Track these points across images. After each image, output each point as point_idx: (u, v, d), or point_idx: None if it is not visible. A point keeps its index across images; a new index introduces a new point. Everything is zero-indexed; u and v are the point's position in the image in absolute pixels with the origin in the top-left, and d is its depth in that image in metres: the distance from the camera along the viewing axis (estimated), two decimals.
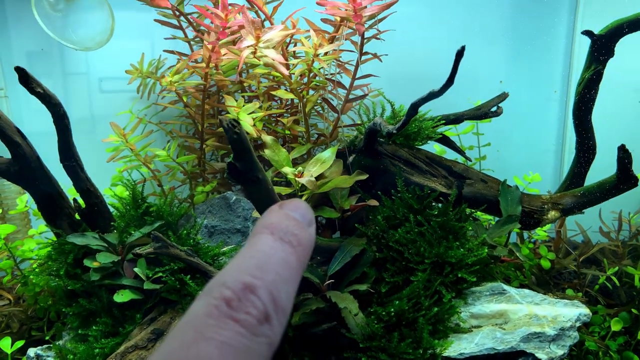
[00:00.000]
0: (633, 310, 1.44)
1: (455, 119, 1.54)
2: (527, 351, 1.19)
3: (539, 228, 1.56)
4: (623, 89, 1.68)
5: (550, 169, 1.78)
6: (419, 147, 1.47)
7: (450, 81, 1.04)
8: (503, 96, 1.56)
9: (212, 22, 1.27)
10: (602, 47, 1.32)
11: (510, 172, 1.69)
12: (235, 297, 0.30)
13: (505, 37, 1.78)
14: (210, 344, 0.28)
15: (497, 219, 1.44)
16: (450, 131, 1.61)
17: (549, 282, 1.61)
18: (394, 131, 1.19)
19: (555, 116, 1.73)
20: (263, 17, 1.47)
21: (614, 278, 1.45)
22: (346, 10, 1.23)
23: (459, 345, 1.22)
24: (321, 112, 1.53)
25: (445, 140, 1.55)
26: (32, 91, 1.16)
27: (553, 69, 1.79)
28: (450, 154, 1.58)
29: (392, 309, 1.21)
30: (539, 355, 1.19)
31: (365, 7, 1.24)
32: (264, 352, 0.30)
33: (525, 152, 1.83)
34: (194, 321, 0.29)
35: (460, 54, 0.99)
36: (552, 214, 1.40)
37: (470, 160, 1.59)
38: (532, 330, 1.21)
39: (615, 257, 1.59)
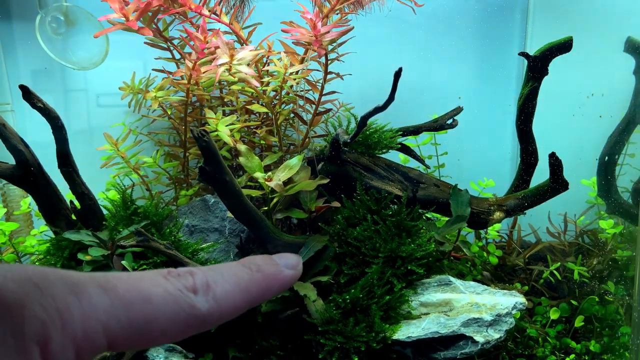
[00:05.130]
0: (572, 301, 1.59)
1: (414, 130, 1.72)
2: (467, 334, 1.35)
3: (490, 228, 1.72)
4: (563, 102, 1.85)
5: (507, 176, 1.94)
6: (380, 155, 1.64)
7: (391, 98, 1.21)
8: (458, 110, 1.73)
9: (193, 42, 1.45)
10: (537, 66, 1.49)
11: (469, 178, 1.86)
12: (176, 272, 0.36)
13: (463, 56, 1.96)
14: (146, 281, 0.35)
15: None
16: (411, 142, 1.78)
17: (503, 278, 1.76)
18: (348, 140, 1.36)
19: (510, 127, 1.89)
20: (241, 40, 1.65)
21: (556, 273, 1.61)
22: (309, 36, 1.41)
23: (407, 330, 1.38)
24: (294, 124, 1.71)
25: (405, 150, 1.72)
26: (34, 105, 1.34)
27: (507, 85, 1.97)
28: (413, 163, 1.75)
29: (348, 297, 1.37)
30: (477, 338, 1.34)
31: (326, 32, 1.42)
32: (185, 310, 0.34)
33: (483, 160, 2.00)
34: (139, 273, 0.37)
35: (398, 74, 1.17)
36: (497, 214, 1.56)
37: (429, 168, 1.76)
38: (471, 316, 1.36)
39: (563, 255, 1.75)
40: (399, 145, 1.65)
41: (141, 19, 1.43)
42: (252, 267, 0.38)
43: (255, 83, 1.42)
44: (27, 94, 1.31)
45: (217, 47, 1.42)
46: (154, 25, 1.51)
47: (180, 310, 0.33)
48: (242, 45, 1.67)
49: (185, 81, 1.49)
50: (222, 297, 0.35)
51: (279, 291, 0.39)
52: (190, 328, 0.34)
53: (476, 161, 1.98)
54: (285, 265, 0.40)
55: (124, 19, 1.35)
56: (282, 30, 1.43)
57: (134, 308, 0.32)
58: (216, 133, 1.51)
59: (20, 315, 0.27)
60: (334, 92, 1.63)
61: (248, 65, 1.46)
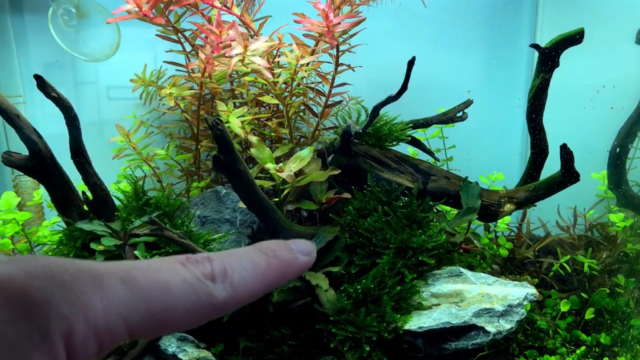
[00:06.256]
0: (582, 294, 1.59)
1: (423, 123, 1.72)
2: (478, 325, 1.35)
3: (499, 221, 1.73)
4: (574, 94, 1.85)
5: (516, 169, 1.95)
6: (390, 147, 1.65)
7: (404, 87, 1.21)
8: (468, 102, 1.74)
9: (207, 37, 1.46)
10: (548, 58, 1.49)
11: (479, 172, 1.86)
12: (194, 259, 0.36)
13: (473, 50, 1.96)
14: (165, 270, 0.34)
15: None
16: (420, 135, 1.78)
17: (513, 271, 1.77)
18: (360, 131, 1.37)
19: (520, 121, 1.90)
20: (252, 32, 1.66)
21: (566, 265, 1.61)
22: (320, 27, 1.41)
23: (419, 320, 1.38)
24: (304, 116, 1.71)
25: (415, 142, 1.72)
26: (48, 95, 1.35)
27: (517, 78, 1.97)
28: (422, 156, 1.75)
29: (359, 287, 1.37)
30: (488, 328, 1.34)
31: (338, 23, 1.42)
32: (202, 299, 0.34)
33: (492, 154, 2.00)
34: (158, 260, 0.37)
35: (411, 63, 1.17)
36: (508, 206, 1.57)
37: (438, 160, 1.76)
38: (483, 306, 1.36)
39: (572, 249, 1.75)
40: (409, 138, 1.65)
41: (153, 10, 1.44)
42: (269, 253, 0.38)
43: (268, 74, 1.42)
44: (42, 84, 1.32)
45: (232, 40, 1.43)
46: (165, 18, 1.52)
47: (198, 299, 0.34)
48: (252, 36, 1.68)
49: (199, 74, 1.50)
50: (239, 284, 0.36)
51: (294, 277, 0.39)
52: (208, 316, 0.35)
53: (485, 155, 1.98)
54: (300, 251, 0.40)
55: (137, 8, 1.35)
56: (295, 22, 1.44)
57: (153, 299, 0.33)
58: (228, 125, 1.51)
59: (45, 312, 0.28)
60: (344, 84, 1.64)
61: (261, 56, 1.47)
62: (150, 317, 0.32)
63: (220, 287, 0.35)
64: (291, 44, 1.60)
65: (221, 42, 1.49)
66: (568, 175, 1.45)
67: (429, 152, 1.72)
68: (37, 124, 1.65)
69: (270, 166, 1.47)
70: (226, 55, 1.42)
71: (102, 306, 0.31)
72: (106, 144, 1.73)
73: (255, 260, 0.37)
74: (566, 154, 1.42)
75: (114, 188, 1.65)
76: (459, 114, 1.72)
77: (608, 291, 1.56)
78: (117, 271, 0.32)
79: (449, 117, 1.71)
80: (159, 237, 1.33)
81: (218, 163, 1.18)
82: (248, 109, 1.61)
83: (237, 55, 1.38)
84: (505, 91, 2.00)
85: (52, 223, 1.66)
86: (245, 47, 1.37)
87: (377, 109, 1.30)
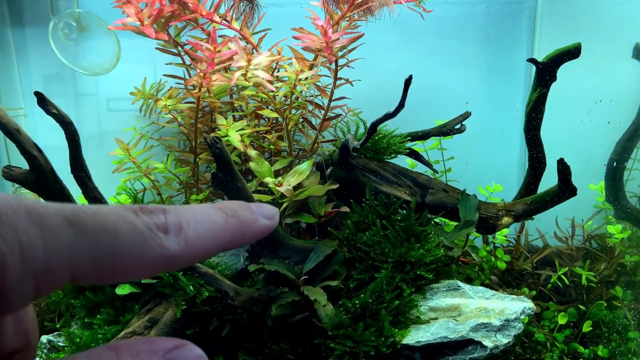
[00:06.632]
0: (580, 306, 1.60)
1: (422, 136, 1.73)
2: (475, 339, 1.36)
3: (498, 233, 1.73)
4: (571, 108, 1.86)
5: (514, 180, 1.95)
6: (388, 160, 1.65)
7: (401, 104, 1.22)
8: (466, 115, 1.74)
9: (202, 53, 1.47)
10: (546, 73, 1.50)
11: (477, 183, 1.87)
12: (148, 209, 0.33)
13: (471, 62, 1.97)
14: (115, 217, 0.32)
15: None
16: (419, 147, 1.79)
17: (511, 283, 1.77)
18: (358, 146, 1.37)
19: (518, 132, 1.90)
20: (252, 47, 1.67)
21: (564, 277, 1.62)
22: (319, 43, 1.42)
23: (416, 334, 1.39)
24: (303, 129, 1.72)
25: (414, 154, 1.73)
26: (48, 112, 1.36)
27: (515, 90, 1.98)
28: (420, 168, 1.76)
29: (358, 302, 1.38)
30: (485, 343, 1.35)
31: (337, 39, 1.43)
32: (154, 250, 0.32)
33: (491, 165, 2.01)
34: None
35: (408, 82, 1.18)
36: (506, 219, 1.57)
37: (437, 172, 1.77)
38: (480, 321, 1.37)
39: (570, 260, 1.76)
40: (408, 150, 1.66)
41: (154, 25, 1.45)
42: (228, 212, 0.35)
43: (271, 87, 1.43)
44: (42, 101, 1.32)
45: (234, 54, 1.44)
46: (166, 32, 1.53)
47: (149, 249, 0.32)
48: (252, 51, 1.69)
49: (197, 90, 1.51)
50: (193, 240, 0.33)
51: (252, 240, 0.37)
52: (158, 268, 0.33)
53: (484, 166, 1.99)
54: (261, 214, 0.37)
55: (139, 23, 1.36)
56: (294, 37, 1.45)
57: (100, 244, 0.30)
58: (227, 138, 1.52)
59: None
60: (343, 97, 1.65)
61: (263, 70, 1.48)
62: (96, 263, 0.30)
63: (173, 240, 0.33)
64: (290, 58, 1.61)
65: (216, 58, 1.50)
66: (565, 189, 1.46)
67: (428, 165, 1.73)
68: (37, 136, 1.66)
69: (269, 180, 1.47)
70: (231, 67, 1.43)
71: (43, 246, 0.28)
72: (106, 155, 1.74)
73: (213, 217, 0.35)
74: (563, 168, 1.43)
75: (114, 201, 1.66)
76: (458, 126, 1.73)
77: (605, 304, 1.57)
78: (64, 212, 0.30)
79: (448, 130, 1.72)
80: None
81: (217, 180, 1.19)
82: (247, 122, 1.62)
83: (239, 69, 1.39)
84: (503, 102, 2.01)
85: None
86: (249, 61, 1.38)
87: (374, 125, 1.31)
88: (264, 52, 1.52)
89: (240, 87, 1.67)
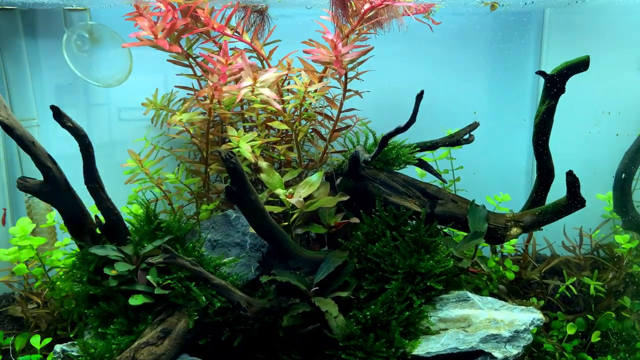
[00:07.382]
0: (589, 316, 1.61)
1: (431, 146, 1.74)
2: (485, 350, 1.37)
3: (507, 243, 1.74)
4: (580, 120, 1.87)
5: (522, 189, 1.96)
6: (398, 171, 1.67)
7: (412, 119, 1.23)
8: (474, 125, 1.75)
9: (214, 66, 1.48)
10: (554, 85, 1.51)
11: (485, 192, 1.88)
12: None
13: (479, 73, 1.98)
14: None
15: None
16: (428, 157, 1.80)
17: (519, 292, 1.78)
18: (369, 159, 1.39)
19: (526, 141, 1.91)
20: (262, 58, 1.69)
21: (572, 287, 1.63)
22: (329, 56, 1.44)
23: (427, 345, 1.40)
24: (312, 140, 1.74)
25: (423, 165, 1.75)
26: (64, 125, 1.38)
27: (522, 100, 1.99)
28: (430, 177, 1.77)
29: (368, 313, 1.39)
30: (495, 354, 1.36)
31: (346, 53, 1.44)
32: None
33: (498, 174, 2.02)
34: None
35: (419, 97, 1.19)
36: (514, 230, 1.58)
37: (445, 182, 1.78)
38: (490, 332, 1.38)
39: (578, 269, 1.76)
40: (417, 161, 1.68)
41: (167, 38, 1.47)
42: None
43: (277, 105, 1.45)
44: (58, 114, 1.34)
45: (240, 69, 1.45)
46: (179, 45, 1.55)
47: None
48: (262, 62, 1.70)
49: (208, 101, 1.52)
50: None
51: None
52: None
53: (491, 175, 2.00)
54: None
55: (152, 36, 1.38)
56: (304, 51, 1.46)
57: None
58: (237, 149, 1.54)
59: None
60: (352, 109, 1.66)
61: (269, 87, 1.49)
62: None
63: None
64: (300, 70, 1.62)
65: (227, 70, 1.52)
66: (574, 200, 1.47)
67: (437, 175, 1.74)
68: (50, 146, 1.68)
69: (280, 192, 1.49)
70: (236, 86, 1.45)
71: None
72: (117, 164, 1.76)
73: None
74: (572, 180, 1.44)
75: (126, 210, 1.68)
76: (466, 137, 1.74)
77: (614, 314, 1.58)
78: None
79: (456, 140, 1.74)
80: (172, 265, 1.36)
81: (231, 194, 1.20)
82: (258, 133, 1.63)
83: (246, 87, 1.41)
84: (511, 111, 2.02)
85: (64, 244, 1.68)
86: (255, 78, 1.40)
87: (385, 139, 1.32)
88: (272, 68, 1.53)
89: (250, 100, 1.68)
